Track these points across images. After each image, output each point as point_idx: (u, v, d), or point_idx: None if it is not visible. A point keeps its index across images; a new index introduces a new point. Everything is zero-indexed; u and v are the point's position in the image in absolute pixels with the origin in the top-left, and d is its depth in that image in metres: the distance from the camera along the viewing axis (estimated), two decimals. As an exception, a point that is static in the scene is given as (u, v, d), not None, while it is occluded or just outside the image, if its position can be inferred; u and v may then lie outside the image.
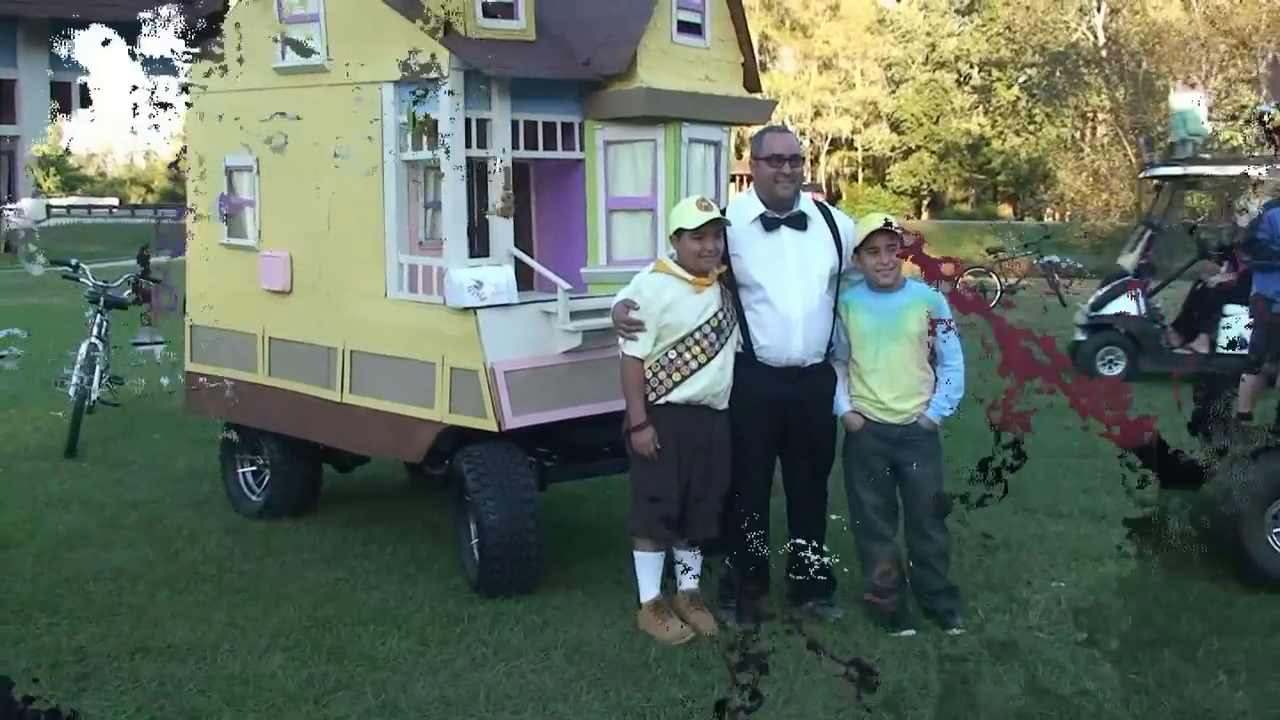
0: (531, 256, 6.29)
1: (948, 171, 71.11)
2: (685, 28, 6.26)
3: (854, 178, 78.66)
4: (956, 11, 71.79)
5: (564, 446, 6.28)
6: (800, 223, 5.47)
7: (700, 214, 5.18)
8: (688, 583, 5.55)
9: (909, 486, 5.52)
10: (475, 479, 5.78)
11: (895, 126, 72.58)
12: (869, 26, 75.82)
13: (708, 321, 5.27)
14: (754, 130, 6.10)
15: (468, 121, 5.80)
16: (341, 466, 7.60)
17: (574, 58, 6.10)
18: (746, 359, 5.45)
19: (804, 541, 5.71)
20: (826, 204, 5.82)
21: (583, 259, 6.23)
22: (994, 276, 22.98)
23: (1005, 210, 69.96)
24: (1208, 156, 14.62)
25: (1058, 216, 46.71)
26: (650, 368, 5.30)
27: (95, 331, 9.86)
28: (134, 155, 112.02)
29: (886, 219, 5.47)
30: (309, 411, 6.64)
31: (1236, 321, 12.36)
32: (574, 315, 5.86)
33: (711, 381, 5.30)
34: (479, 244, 6.02)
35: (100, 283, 10.24)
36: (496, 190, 5.93)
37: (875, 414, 5.45)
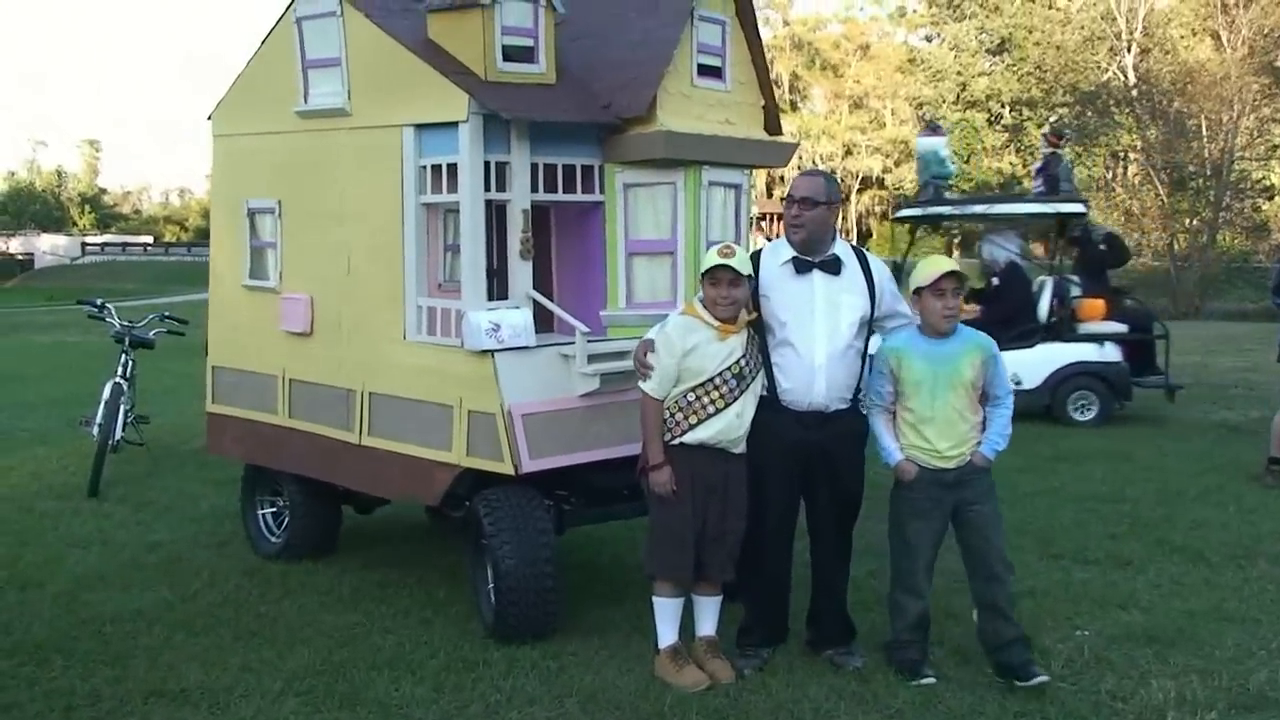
0: (551, 299, 6.27)
1: (979, 210, 70.93)
2: (706, 71, 6.25)
3: (884, 216, 78.66)
4: (987, 51, 71.81)
5: (583, 490, 6.24)
6: (834, 267, 5.39)
7: (714, 259, 5.18)
8: (706, 629, 5.49)
9: (971, 528, 5.33)
10: (491, 523, 5.74)
11: (926, 165, 72.48)
12: (899, 66, 75.99)
13: (729, 368, 5.23)
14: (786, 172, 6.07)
15: (487, 164, 5.79)
16: (361, 508, 7.59)
17: (594, 101, 6.10)
18: (770, 401, 5.39)
19: (825, 589, 5.66)
20: (863, 249, 5.73)
21: (603, 302, 6.21)
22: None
23: (1038, 249, 69.77)
24: (949, 197, 15.02)
25: (1090, 256, 46.39)
26: (668, 408, 5.28)
27: (120, 371, 9.91)
28: (169, 193, 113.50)
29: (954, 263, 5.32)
30: (328, 453, 6.62)
31: None
32: (592, 358, 5.83)
33: (727, 426, 5.26)
34: (499, 287, 6.02)
35: (126, 322, 10.31)
36: (515, 233, 5.93)
37: (931, 461, 5.28)
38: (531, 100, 5.90)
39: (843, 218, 77.90)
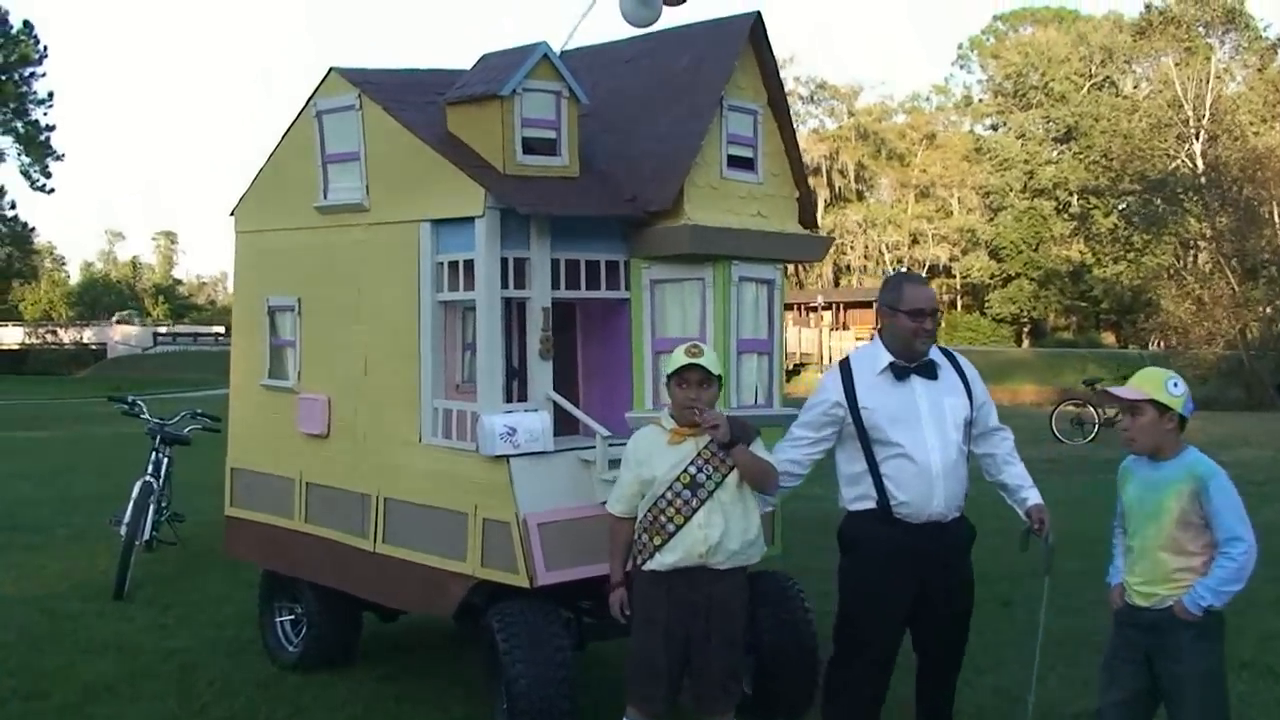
0: (577, 399, 6.00)
1: (1048, 299, 70.48)
2: (736, 162, 5.99)
3: (953, 305, 78.30)
4: (1054, 139, 71.70)
5: (605, 601, 5.90)
6: (930, 371, 5.13)
7: (682, 358, 4.89)
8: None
9: (1161, 686, 4.62)
10: (505, 639, 5.41)
11: (994, 254, 72.33)
12: (966, 155, 76.02)
13: (678, 479, 4.88)
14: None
15: (506, 260, 5.55)
16: (384, 615, 7.28)
17: (618, 194, 5.85)
18: (880, 514, 5.02)
19: (930, 711, 5.29)
20: (953, 350, 5.44)
21: (630, 403, 5.92)
22: (1091, 408, 22.26)
23: (1109, 338, 68.90)
24: None
25: (1162, 345, 45.81)
26: (638, 528, 5.00)
27: (150, 469, 9.75)
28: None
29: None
30: (343, 560, 6.36)
31: None
32: (613, 463, 5.52)
33: (693, 544, 4.87)
34: (519, 388, 5.76)
35: (159, 420, 10.18)
36: (535, 332, 5.67)
37: (1132, 598, 4.65)
38: (552, 194, 5.68)
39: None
